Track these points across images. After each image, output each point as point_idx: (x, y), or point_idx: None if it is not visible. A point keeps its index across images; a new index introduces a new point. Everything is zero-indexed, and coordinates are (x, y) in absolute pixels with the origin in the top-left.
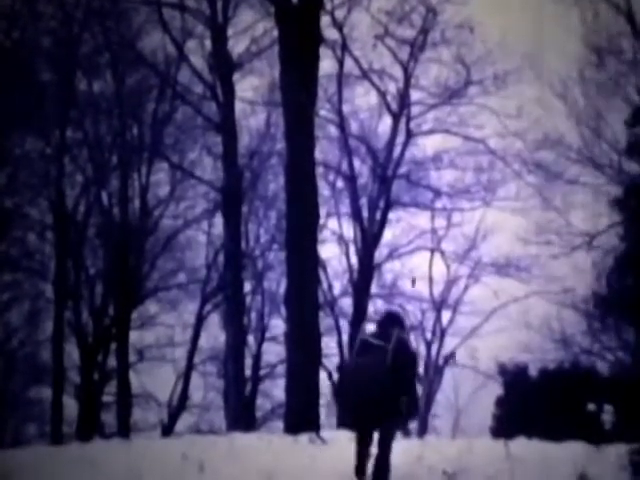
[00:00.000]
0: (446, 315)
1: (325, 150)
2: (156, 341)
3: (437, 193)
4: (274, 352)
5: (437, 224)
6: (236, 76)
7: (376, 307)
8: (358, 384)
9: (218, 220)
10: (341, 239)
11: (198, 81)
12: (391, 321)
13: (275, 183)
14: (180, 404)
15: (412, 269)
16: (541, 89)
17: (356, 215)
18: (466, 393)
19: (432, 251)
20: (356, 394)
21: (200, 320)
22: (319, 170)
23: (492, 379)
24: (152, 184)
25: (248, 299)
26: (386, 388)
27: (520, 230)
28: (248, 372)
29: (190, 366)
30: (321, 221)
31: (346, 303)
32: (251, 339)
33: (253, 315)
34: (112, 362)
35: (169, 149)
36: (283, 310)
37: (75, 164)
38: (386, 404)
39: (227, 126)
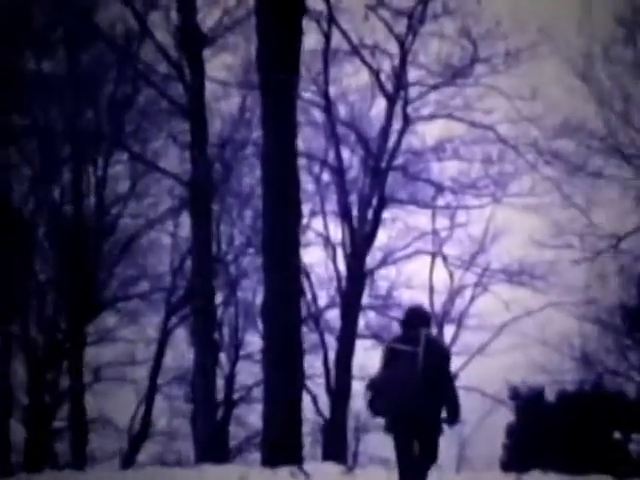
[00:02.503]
0: (449, 330)
1: (309, 138)
2: (115, 358)
3: (439, 188)
4: (250, 372)
5: (439, 224)
6: (206, 53)
7: (368, 320)
8: (391, 397)
9: (185, 220)
10: (327, 242)
11: (163, 59)
12: (416, 319)
13: (251, 177)
14: (142, 431)
15: (410, 276)
16: (559, 68)
17: (345, 214)
18: (473, 420)
19: (433, 255)
20: (391, 407)
21: (165, 335)
22: (302, 162)
23: (502, 404)
24: (110, 178)
25: (220, 311)
26: (421, 396)
27: (535, 231)
28: (220, 395)
29: (153, 388)
30: (304, 221)
31: (333, 316)
32: (223, 357)
33: (225, 330)
34: (65, 382)
35: (129, 137)
36: (260, 324)
37: (22, 155)
38: (424, 413)
39: (196, 111)
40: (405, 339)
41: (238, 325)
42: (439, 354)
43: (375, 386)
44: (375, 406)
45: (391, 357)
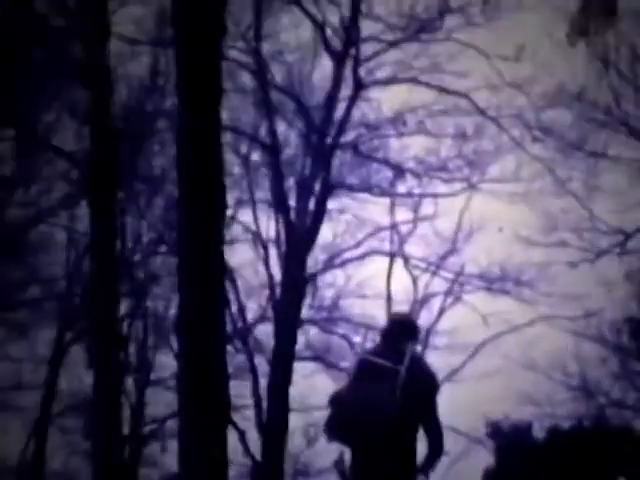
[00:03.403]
0: None
1: (236, 108)
2: None
3: (399, 171)
4: (162, 401)
5: (399, 217)
6: (112, 4)
7: (308, 338)
8: (358, 420)
9: (83, 210)
10: (258, 239)
11: (58, 12)
12: (402, 331)
13: (163, 156)
14: (34, 471)
15: (361, 283)
16: (551, 19)
17: (280, 204)
18: (443, 463)
19: (392, 256)
20: (356, 434)
21: (59, 353)
22: (226, 137)
23: (479, 443)
24: None
25: (125, 325)
26: (398, 424)
27: (522, 226)
28: (126, 429)
29: (46, 419)
30: (229, 212)
31: (265, 332)
32: (130, 382)
33: (132, 348)
34: None
35: (15, 109)
36: (174, 341)
37: None
38: (399, 447)
39: (97, 75)
40: (384, 353)
41: (147, 343)
42: (425, 380)
43: (339, 402)
44: (333, 427)
45: (364, 372)
